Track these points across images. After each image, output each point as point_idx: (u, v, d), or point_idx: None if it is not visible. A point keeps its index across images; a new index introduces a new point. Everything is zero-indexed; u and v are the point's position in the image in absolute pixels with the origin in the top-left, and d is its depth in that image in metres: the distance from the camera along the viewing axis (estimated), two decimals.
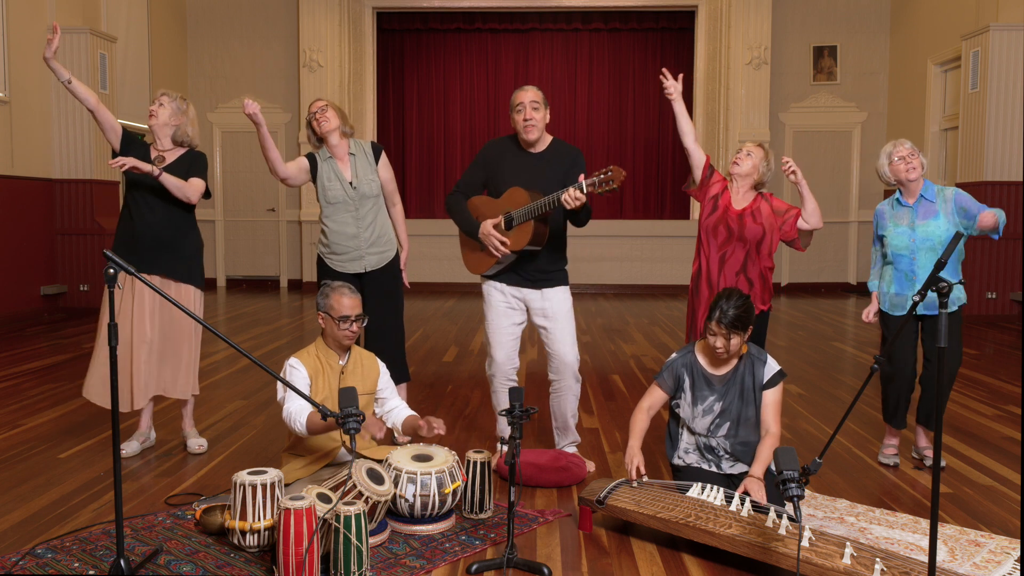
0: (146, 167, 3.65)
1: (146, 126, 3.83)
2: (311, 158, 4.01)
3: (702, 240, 3.80)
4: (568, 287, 3.72)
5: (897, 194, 3.79)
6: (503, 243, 3.51)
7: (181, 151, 3.91)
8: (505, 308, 3.69)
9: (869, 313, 3.87)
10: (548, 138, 3.68)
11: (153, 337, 3.81)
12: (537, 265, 3.62)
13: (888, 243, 3.76)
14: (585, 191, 3.30)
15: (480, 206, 3.67)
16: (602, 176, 3.28)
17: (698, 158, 3.74)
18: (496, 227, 3.55)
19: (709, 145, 11.59)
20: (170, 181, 3.72)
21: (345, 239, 3.94)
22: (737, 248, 3.68)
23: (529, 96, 3.56)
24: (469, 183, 3.74)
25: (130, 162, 3.62)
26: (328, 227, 3.97)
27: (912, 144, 3.76)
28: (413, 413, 3.33)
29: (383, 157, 4.06)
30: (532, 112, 3.53)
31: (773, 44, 11.39)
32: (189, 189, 3.80)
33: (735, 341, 3.04)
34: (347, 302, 3.14)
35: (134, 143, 3.92)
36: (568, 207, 3.32)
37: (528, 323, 3.79)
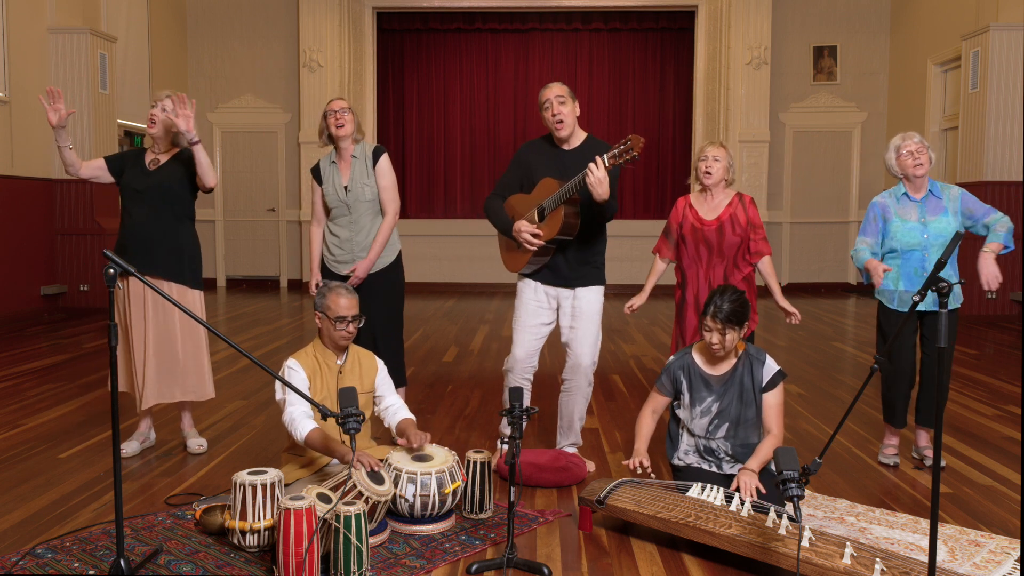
0: (190, 131, 3.66)
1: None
2: (316, 173, 4.07)
3: (687, 266, 3.84)
4: (602, 288, 3.67)
5: (901, 188, 3.77)
6: (535, 235, 3.48)
7: (175, 151, 3.90)
8: (535, 306, 3.67)
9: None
10: (582, 135, 3.66)
11: (151, 339, 3.80)
12: (570, 262, 3.59)
13: (897, 238, 3.70)
14: (607, 164, 3.25)
15: (515, 204, 3.66)
16: (621, 147, 3.23)
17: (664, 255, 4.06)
18: (529, 221, 3.53)
19: None
20: (201, 154, 3.73)
21: (340, 242, 3.98)
22: (716, 264, 3.70)
23: (554, 92, 3.54)
24: (506, 185, 3.74)
25: (182, 117, 3.63)
26: (328, 230, 4.04)
27: (921, 138, 3.72)
28: (410, 416, 3.33)
29: (380, 161, 3.97)
30: (559, 107, 3.51)
31: (773, 44, 11.39)
32: (213, 171, 3.82)
33: (730, 337, 3.03)
34: (344, 302, 3.14)
35: (127, 157, 3.93)
36: (588, 180, 3.25)
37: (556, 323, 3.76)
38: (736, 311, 3.02)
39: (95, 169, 3.90)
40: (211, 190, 3.89)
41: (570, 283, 3.61)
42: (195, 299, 3.89)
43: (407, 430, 3.18)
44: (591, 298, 3.62)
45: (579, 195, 3.41)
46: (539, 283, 3.66)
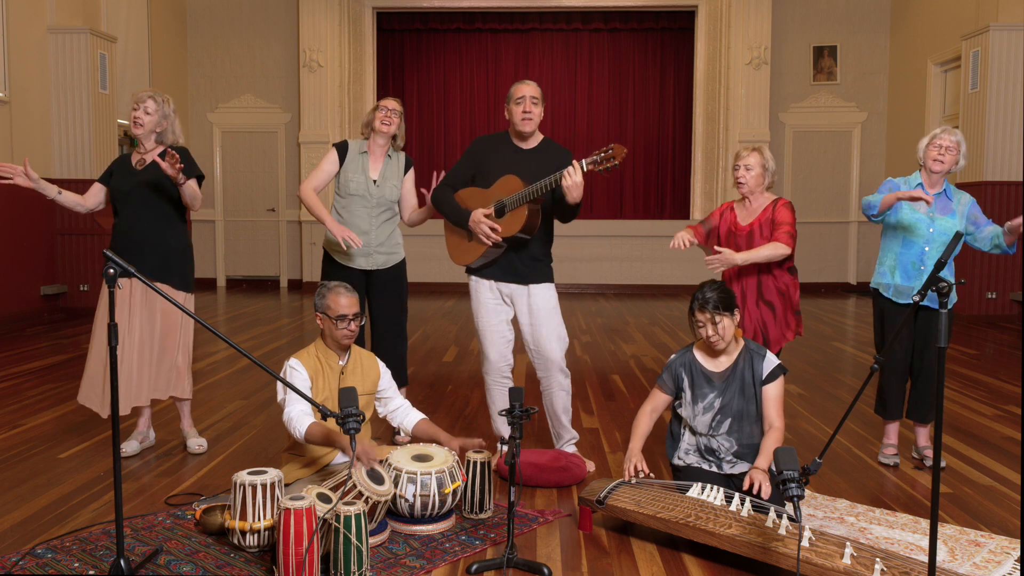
0: (179, 179, 3.65)
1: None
2: (341, 149, 4.06)
3: (724, 272, 3.74)
4: (554, 284, 3.70)
5: (917, 178, 3.75)
6: (494, 229, 3.48)
7: (160, 148, 3.86)
8: (494, 305, 3.68)
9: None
10: (539, 136, 3.68)
11: (135, 340, 3.76)
12: (524, 260, 3.60)
13: (902, 218, 3.70)
14: (585, 169, 3.28)
15: (467, 198, 3.65)
16: (603, 154, 3.25)
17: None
18: (487, 216, 3.53)
19: (709, 145, 11.59)
20: (187, 189, 3.73)
21: (357, 232, 3.96)
22: (748, 269, 3.62)
23: (530, 91, 3.57)
24: (457, 177, 3.73)
25: (168, 165, 3.59)
26: (341, 218, 4.02)
27: (960, 139, 3.68)
28: (423, 417, 3.34)
29: (411, 172, 4.14)
30: (532, 106, 3.55)
31: (773, 44, 11.39)
32: (197, 200, 3.80)
33: (724, 324, 3.03)
34: (344, 301, 3.14)
35: (113, 165, 3.90)
36: (566, 184, 3.28)
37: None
38: (721, 297, 3.02)
39: (96, 195, 3.91)
40: (201, 176, 3.89)
41: (525, 279, 3.62)
42: (183, 302, 3.83)
43: (437, 435, 3.20)
44: (547, 295, 3.64)
45: (542, 197, 3.43)
46: (492, 281, 3.66)
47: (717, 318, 3.02)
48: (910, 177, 3.79)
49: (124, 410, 3.74)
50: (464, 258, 3.67)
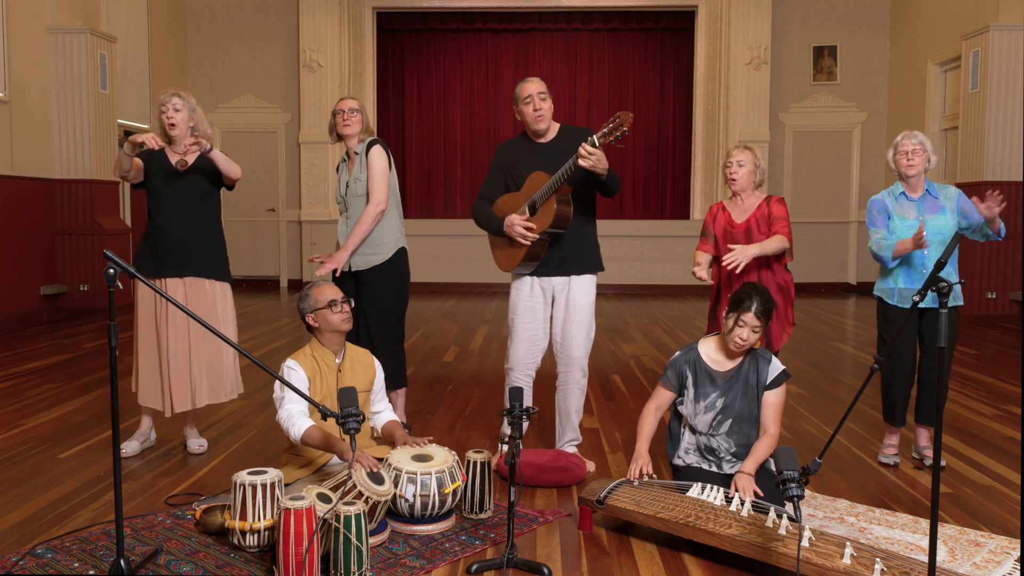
0: (204, 145, 3.64)
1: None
2: (337, 168, 4.22)
3: (721, 270, 3.75)
4: (595, 276, 3.68)
5: (899, 187, 3.78)
6: (528, 228, 3.49)
7: (198, 150, 3.87)
8: (530, 304, 3.67)
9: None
10: (556, 126, 3.69)
11: (188, 341, 3.79)
12: (563, 250, 3.59)
13: (898, 235, 3.70)
14: (598, 144, 3.27)
15: (503, 205, 3.67)
16: (611, 125, 3.25)
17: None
18: (520, 216, 3.54)
19: (709, 145, 11.59)
20: (218, 156, 3.71)
21: (340, 236, 4.06)
22: (751, 268, 3.64)
23: (536, 87, 3.59)
24: (491, 188, 3.74)
25: (191, 152, 3.61)
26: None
27: (923, 139, 3.72)
28: (395, 419, 3.35)
29: (371, 152, 3.97)
30: (540, 102, 3.57)
31: (773, 44, 11.39)
32: (235, 165, 3.79)
33: (760, 332, 3.04)
34: (327, 289, 3.20)
35: (152, 159, 3.85)
36: (586, 165, 3.27)
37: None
38: (769, 308, 3.03)
39: (140, 170, 3.86)
40: (237, 181, 3.87)
41: (566, 270, 3.62)
42: (229, 293, 3.94)
43: (393, 432, 3.21)
44: (585, 290, 3.63)
45: (569, 184, 3.43)
46: (534, 277, 3.66)
47: (760, 326, 3.02)
48: (891, 188, 3.81)
49: (186, 407, 3.80)
50: (509, 263, 3.68)
